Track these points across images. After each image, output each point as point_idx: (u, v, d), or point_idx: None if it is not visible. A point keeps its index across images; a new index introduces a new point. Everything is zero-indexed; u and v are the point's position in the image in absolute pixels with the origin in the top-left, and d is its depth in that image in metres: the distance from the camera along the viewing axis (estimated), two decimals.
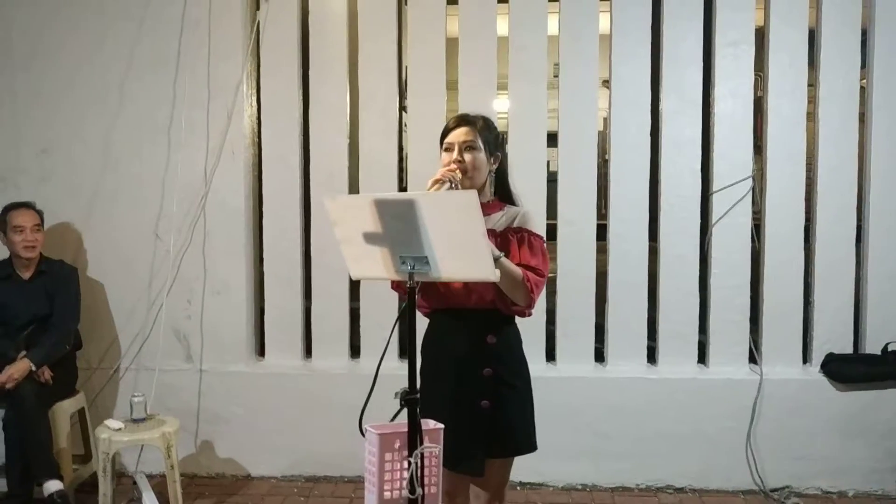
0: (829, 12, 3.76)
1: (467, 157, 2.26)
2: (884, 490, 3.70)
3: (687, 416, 3.78)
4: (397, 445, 1.73)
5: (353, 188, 4.00)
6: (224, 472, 3.97)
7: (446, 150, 2.32)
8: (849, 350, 3.82)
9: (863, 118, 3.83)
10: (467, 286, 2.21)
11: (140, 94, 3.93)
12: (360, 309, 3.98)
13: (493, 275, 1.71)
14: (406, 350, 2.07)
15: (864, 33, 3.79)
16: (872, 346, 3.80)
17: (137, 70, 3.93)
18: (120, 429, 3.35)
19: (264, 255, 4.02)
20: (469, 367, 2.26)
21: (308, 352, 4.06)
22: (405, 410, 1.77)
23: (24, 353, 3.44)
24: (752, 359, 3.86)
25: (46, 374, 3.45)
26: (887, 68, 3.76)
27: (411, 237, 1.69)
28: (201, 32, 3.89)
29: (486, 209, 2.23)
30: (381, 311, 3.86)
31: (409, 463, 1.72)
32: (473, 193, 1.66)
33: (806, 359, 3.87)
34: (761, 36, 3.83)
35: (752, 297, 3.86)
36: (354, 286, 3.99)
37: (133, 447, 3.59)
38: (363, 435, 1.82)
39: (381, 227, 1.72)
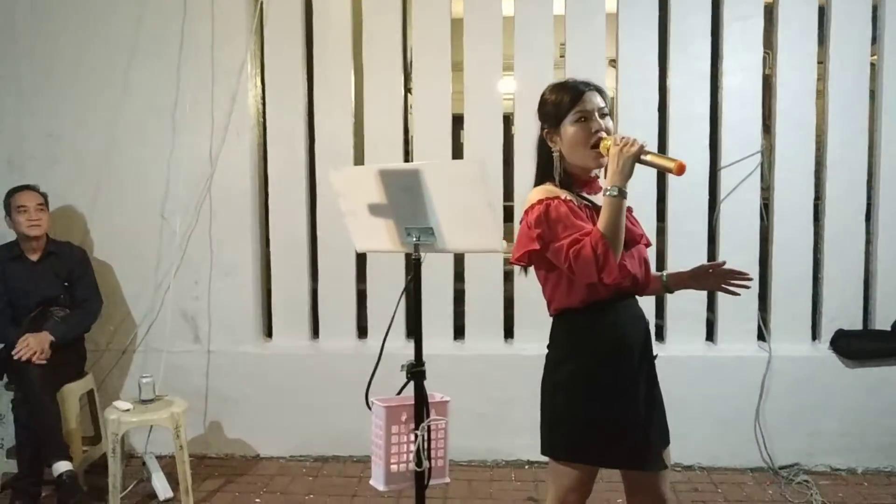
0: None
1: (603, 123, 2.08)
2: (893, 467, 3.69)
3: (695, 393, 3.76)
4: (404, 418, 1.73)
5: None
6: (233, 452, 3.99)
7: (580, 119, 2.06)
8: (858, 326, 3.80)
9: (873, 95, 3.78)
10: (641, 258, 2.11)
11: (144, 77, 3.92)
12: (367, 289, 3.97)
13: (499, 246, 1.69)
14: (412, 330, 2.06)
15: (875, 9, 3.74)
16: (882, 323, 3.78)
17: (141, 53, 3.92)
18: (128, 410, 3.35)
19: (270, 236, 4.01)
20: (648, 355, 2.16)
21: (315, 332, 4.06)
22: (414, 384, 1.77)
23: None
24: (761, 336, 3.84)
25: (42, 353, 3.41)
26: None
27: (417, 208, 1.68)
28: (204, 15, 3.87)
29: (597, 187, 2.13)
30: (388, 291, 3.85)
31: (416, 436, 1.72)
32: (481, 163, 1.64)
33: (815, 335, 3.85)
34: (770, 12, 3.79)
35: (760, 274, 3.83)
36: (361, 267, 3.98)
37: (142, 428, 3.60)
38: (369, 408, 1.81)
39: (387, 199, 1.71)
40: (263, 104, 4.01)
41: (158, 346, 3.92)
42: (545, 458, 3.76)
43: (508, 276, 3.96)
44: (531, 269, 2.16)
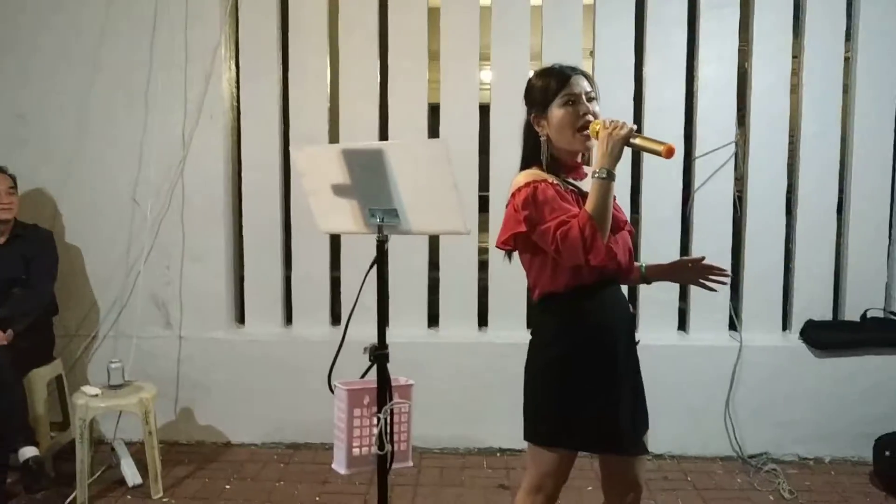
0: None
1: (591, 107, 2.08)
2: (859, 456, 3.72)
3: (667, 382, 3.76)
4: (366, 401, 1.72)
5: None
6: (204, 439, 3.96)
7: (568, 102, 2.06)
8: (828, 317, 3.84)
9: (846, 88, 3.81)
10: (625, 245, 2.12)
11: (116, 57, 3.86)
12: (341, 276, 3.95)
13: (463, 227, 1.68)
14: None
15: (850, 3, 3.76)
16: (851, 313, 3.81)
17: (113, 34, 3.85)
18: (97, 395, 3.31)
19: (244, 221, 3.97)
20: (631, 340, 2.17)
21: (288, 319, 4.04)
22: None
23: None
24: (733, 326, 3.87)
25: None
26: (871, 38, 3.74)
27: (380, 189, 1.66)
28: None
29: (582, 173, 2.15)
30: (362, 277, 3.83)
31: (378, 419, 1.70)
32: (445, 143, 1.62)
33: (786, 326, 3.88)
34: (746, 2, 3.80)
35: (733, 264, 3.86)
36: (335, 253, 3.96)
37: (111, 413, 3.56)
38: (332, 391, 1.80)
39: (350, 179, 1.69)
40: (238, 87, 3.96)
41: (129, 332, 3.88)
42: (517, 446, 3.82)
43: (483, 265, 3.95)
44: (515, 256, 2.16)
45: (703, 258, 2.27)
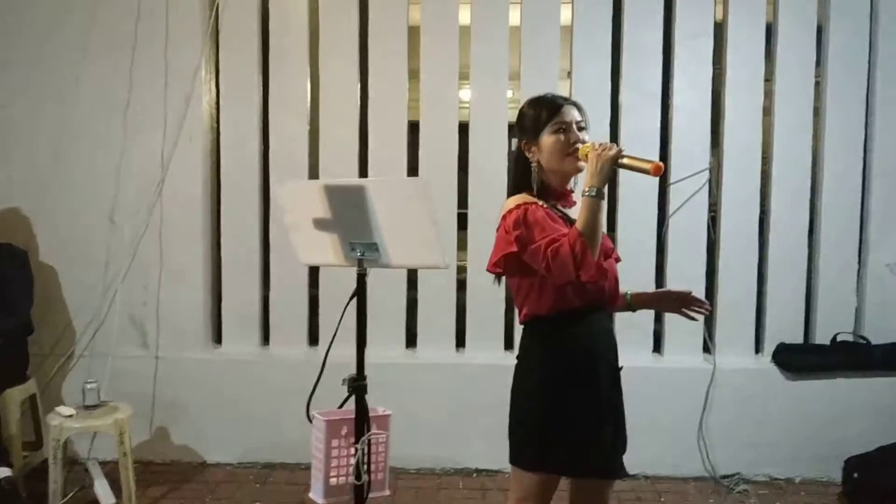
0: (786, 8, 3.82)
1: (581, 137, 2.13)
2: (829, 477, 3.79)
3: (641, 404, 3.77)
4: (344, 432, 1.74)
5: (314, 175, 3.97)
6: (179, 458, 3.93)
7: (559, 130, 2.12)
8: (799, 340, 3.91)
9: (817, 112, 3.90)
10: (612, 275, 2.15)
11: (96, 78, 3.85)
12: (320, 296, 3.96)
13: (442, 262, 1.72)
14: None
15: (820, 30, 3.86)
16: (822, 337, 3.89)
17: (93, 55, 3.85)
18: (71, 415, 3.29)
19: (222, 242, 3.98)
20: (615, 365, 2.22)
21: (266, 339, 4.04)
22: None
23: None
24: (707, 348, 3.93)
25: None
26: (841, 64, 3.83)
27: (361, 223, 1.69)
28: (159, 15, 3.82)
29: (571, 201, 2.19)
30: (342, 297, 3.81)
31: (357, 450, 1.72)
32: (425, 181, 1.66)
33: (758, 349, 3.95)
34: (720, 31, 3.89)
35: (707, 288, 3.92)
36: (314, 273, 3.97)
37: (85, 434, 3.53)
38: (310, 421, 1.82)
39: (331, 214, 1.72)
40: (218, 108, 3.97)
41: (105, 351, 3.85)
42: (494, 467, 3.84)
43: (462, 285, 3.98)
44: (503, 279, 2.19)
45: (690, 292, 2.33)
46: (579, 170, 2.13)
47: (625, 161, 2.00)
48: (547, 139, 2.11)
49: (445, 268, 1.76)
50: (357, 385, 1.76)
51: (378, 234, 1.69)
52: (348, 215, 1.72)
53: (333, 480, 1.74)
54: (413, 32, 3.90)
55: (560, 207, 2.18)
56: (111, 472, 3.57)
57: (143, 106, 3.84)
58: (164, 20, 3.83)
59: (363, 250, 1.73)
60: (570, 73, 3.92)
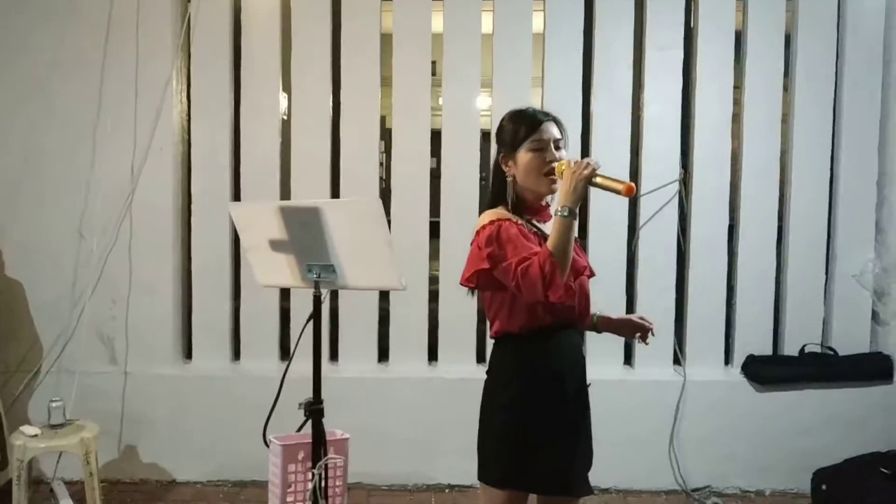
0: (755, 17, 3.86)
1: (558, 155, 2.13)
2: (799, 489, 3.81)
3: (613, 416, 3.79)
4: (301, 456, 1.72)
5: (285, 188, 3.95)
6: (148, 477, 3.89)
7: (536, 148, 2.12)
8: (768, 352, 3.94)
9: (785, 118, 3.94)
10: (582, 292, 2.17)
11: (65, 90, 3.81)
12: (291, 310, 3.93)
13: (399, 284, 1.71)
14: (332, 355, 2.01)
15: (788, 39, 3.91)
16: (790, 348, 3.92)
17: (63, 66, 3.80)
18: (36, 435, 3.24)
19: (192, 255, 3.94)
20: (583, 382, 2.23)
21: (237, 354, 4.00)
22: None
23: None
24: (678, 360, 3.94)
25: None
26: (809, 73, 3.88)
27: (317, 245, 1.68)
28: (129, 28, 3.79)
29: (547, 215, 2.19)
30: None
31: (313, 474, 1.71)
32: (376, 203, 1.66)
33: (728, 360, 3.97)
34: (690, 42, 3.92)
35: (677, 300, 3.95)
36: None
37: (51, 454, 3.48)
38: (267, 445, 1.80)
39: (287, 235, 1.71)
40: (189, 121, 3.95)
41: (72, 368, 3.80)
42: (467, 482, 3.83)
43: (434, 296, 3.97)
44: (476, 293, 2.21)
45: (651, 324, 2.34)
46: (553, 191, 2.14)
47: (598, 180, 2.02)
48: (524, 156, 2.12)
49: (402, 289, 1.76)
50: (313, 409, 1.75)
51: (334, 256, 1.68)
52: (304, 237, 1.71)
53: None
54: (385, 39, 3.90)
55: (535, 223, 2.19)
56: (78, 491, 3.52)
57: (113, 119, 3.80)
58: (135, 32, 3.80)
59: (320, 272, 1.72)
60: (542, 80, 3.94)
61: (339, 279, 1.73)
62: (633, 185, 1.99)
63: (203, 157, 3.91)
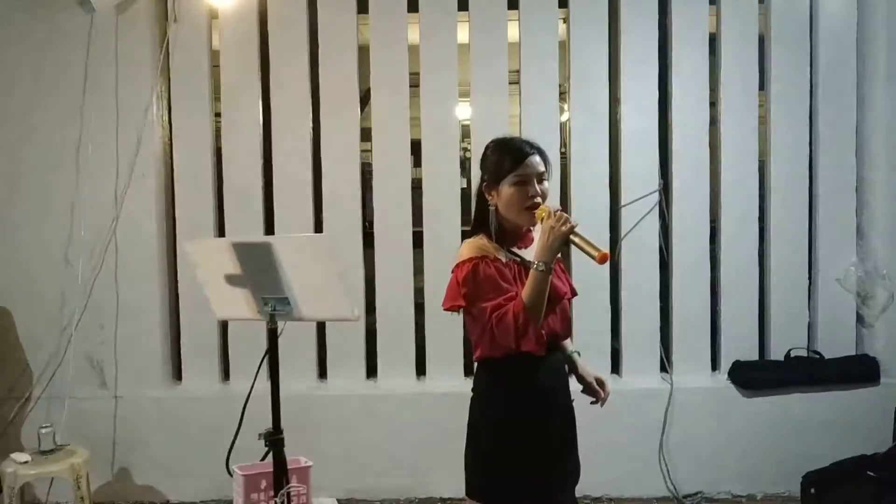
0: (728, 26, 3.88)
1: (541, 189, 2.16)
2: (790, 492, 3.81)
3: (602, 425, 3.80)
4: (263, 486, 1.75)
5: (269, 209, 3.99)
6: (142, 499, 3.92)
7: (519, 182, 2.14)
8: (754, 357, 3.94)
9: (763, 121, 3.96)
10: (563, 314, 2.23)
11: (47, 117, 3.86)
12: (278, 329, 3.95)
13: (352, 314, 1.74)
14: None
15: (762, 54, 3.92)
16: (776, 353, 3.92)
17: (43, 94, 3.85)
18: (26, 462, 3.28)
19: (179, 277, 3.97)
20: (567, 401, 2.29)
21: (226, 374, 4.03)
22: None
23: None
24: (665, 368, 3.95)
25: None
26: (785, 80, 3.90)
27: (271, 279, 1.71)
28: (108, 55, 3.84)
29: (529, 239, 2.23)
30: (302, 329, 3.87)
31: (275, 502, 1.74)
32: (326, 238, 1.68)
33: (714, 366, 3.98)
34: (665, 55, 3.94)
35: (662, 307, 3.96)
36: None
37: (43, 479, 3.52)
38: (230, 475, 1.83)
39: (241, 270, 1.73)
40: (171, 145, 3.99)
41: (63, 393, 3.83)
42: (458, 495, 3.81)
43: (420, 308, 3.99)
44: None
45: (605, 398, 2.41)
46: (533, 224, 2.18)
47: (576, 240, 2.06)
48: (507, 190, 2.14)
49: (356, 320, 1.78)
50: (273, 439, 1.77)
51: (288, 289, 1.71)
52: (258, 271, 1.74)
53: None
54: (363, 52, 3.93)
55: (516, 250, 2.23)
56: None
57: (95, 145, 3.84)
58: (114, 58, 3.84)
59: (275, 305, 1.75)
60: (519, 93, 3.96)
61: (294, 311, 1.76)
62: (607, 253, 2.03)
63: (186, 181, 3.95)
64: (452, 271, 2.18)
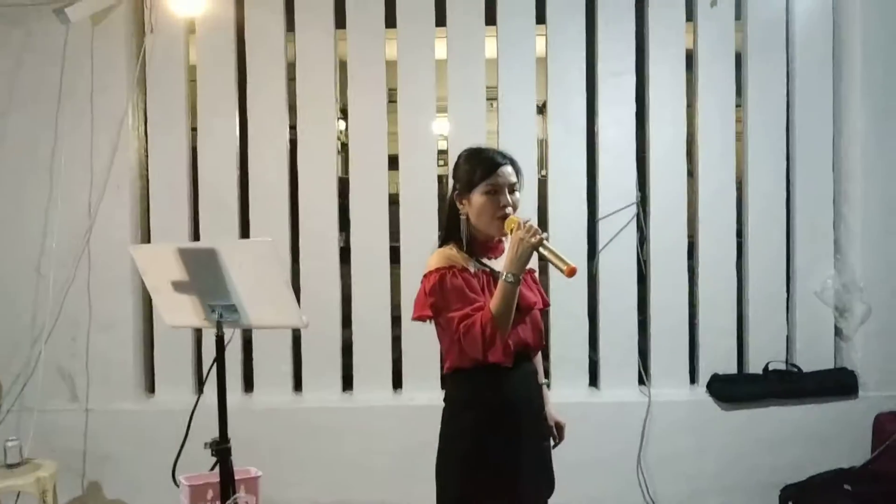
0: (705, 40, 3.89)
1: (512, 199, 2.18)
2: None
3: (579, 439, 3.75)
4: (210, 496, 1.71)
5: (244, 220, 3.96)
6: None
7: (490, 191, 2.15)
8: (733, 370, 3.92)
9: (739, 137, 3.96)
10: (534, 325, 2.24)
11: (20, 126, 3.83)
12: (253, 340, 3.93)
13: (300, 322, 1.71)
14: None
15: (738, 58, 3.92)
16: (755, 366, 3.90)
17: (17, 103, 3.82)
18: None
19: None
20: (539, 411, 2.30)
21: (200, 386, 3.98)
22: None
23: None
24: (643, 380, 3.92)
25: None
26: (761, 94, 3.90)
27: (218, 285, 1.69)
28: (83, 64, 3.82)
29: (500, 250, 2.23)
30: (276, 341, 3.85)
31: None
32: (271, 244, 1.66)
33: (693, 379, 3.95)
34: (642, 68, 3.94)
35: (640, 320, 3.94)
36: None
37: (8, 494, 3.46)
38: (177, 485, 1.79)
39: (188, 276, 1.71)
40: (147, 155, 3.97)
41: (32, 406, 3.78)
42: None
43: (397, 322, 3.96)
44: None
45: (559, 441, 2.42)
46: (504, 235, 2.18)
47: (545, 252, 2.06)
48: (478, 199, 2.15)
49: (304, 327, 1.76)
50: (220, 448, 1.74)
51: (235, 296, 1.69)
52: (204, 277, 1.72)
53: None
54: (342, 66, 3.92)
55: (485, 260, 2.23)
56: None
57: (68, 155, 3.81)
58: (90, 68, 3.82)
59: (222, 312, 1.73)
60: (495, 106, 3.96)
61: (241, 318, 1.73)
62: (575, 267, 2.03)
63: (161, 191, 3.92)
64: (421, 281, 2.18)
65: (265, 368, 3.94)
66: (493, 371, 2.13)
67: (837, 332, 3.93)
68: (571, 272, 2.00)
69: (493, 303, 2.04)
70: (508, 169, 2.18)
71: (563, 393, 3.87)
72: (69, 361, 3.87)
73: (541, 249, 2.05)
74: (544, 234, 2.06)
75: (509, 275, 2.03)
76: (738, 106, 3.95)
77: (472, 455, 2.15)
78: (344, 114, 4.11)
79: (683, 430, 3.84)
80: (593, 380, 3.99)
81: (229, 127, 3.92)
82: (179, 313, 1.83)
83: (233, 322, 1.75)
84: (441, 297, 2.09)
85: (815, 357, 3.88)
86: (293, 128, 3.96)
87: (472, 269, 2.16)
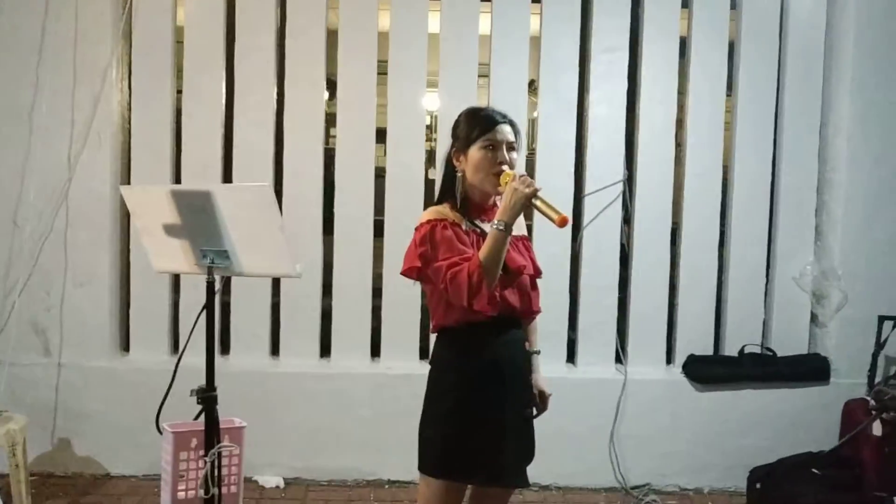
0: (699, 24, 3.89)
1: (510, 157, 2.18)
2: (736, 487, 3.83)
3: (554, 414, 3.78)
4: (193, 444, 1.69)
5: (227, 179, 3.90)
6: (82, 470, 3.81)
7: (487, 146, 2.16)
8: (709, 352, 3.96)
9: (728, 124, 3.97)
10: (522, 290, 2.22)
11: (0, 76, 3.73)
12: (231, 303, 3.89)
13: (293, 271, 1.69)
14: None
15: (731, 45, 3.93)
16: (731, 348, 3.94)
17: None
18: None
19: (131, 246, 3.87)
20: (525, 377, 2.30)
21: (175, 347, 3.94)
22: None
23: None
24: (619, 359, 3.95)
25: None
26: (752, 80, 3.91)
27: (211, 230, 1.66)
28: (68, 15, 3.72)
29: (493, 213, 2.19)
30: (255, 304, 3.82)
31: (205, 462, 1.68)
32: (267, 188, 1.63)
33: (669, 359, 3.99)
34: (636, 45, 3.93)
35: (620, 299, 3.95)
36: (227, 278, 3.89)
37: None
38: (160, 433, 1.77)
39: (180, 219, 1.68)
40: (130, 110, 3.88)
41: (3, 359, 3.71)
42: (406, 478, 3.81)
43: (378, 293, 3.94)
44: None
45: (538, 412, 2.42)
46: (499, 193, 2.18)
47: (537, 202, 2.07)
48: (475, 153, 2.16)
49: (297, 276, 1.73)
50: (206, 396, 1.72)
51: (228, 242, 1.66)
52: (197, 221, 1.69)
53: (182, 494, 1.70)
54: (332, 35, 3.86)
55: (478, 223, 2.22)
56: (5, 485, 3.44)
57: (49, 106, 3.72)
58: (74, 18, 3.73)
59: (213, 257, 1.70)
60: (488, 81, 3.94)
61: (233, 265, 1.70)
62: (567, 217, 2.05)
63: (143, 146, 3.85)
64: (413, 236, 2.18)
65: (242, 332, 3.90)
66: (479, 332, 2.15)
67: (813, 318, 3.98)
68: (563, 222, 2.01)
69: (483, 251, 2.04)
70: (507, 128, 2.19)
71: (542, 368, 3.86)
72: (43, 316, 3.81)
73: (534, 200, 2.06)
74: (539, 187, 2.07)
75: (500, 223, 2.04)
76: (728, 95, 3.96)
77: (456, 411, 2.16)
78: (331, 85, 4.05)
79: (657, 410, 3.87)
80: (570, 356, 4.01)
81: (216, 86, 3.84)
82: (169, 258, 1.80)
83: (224, 269, 1.72)
84: (430, 248, 2.10)
85: (789, 342, 3.93)
86: (280, 94, 3.90)
87: (463, 227, 2.17)
